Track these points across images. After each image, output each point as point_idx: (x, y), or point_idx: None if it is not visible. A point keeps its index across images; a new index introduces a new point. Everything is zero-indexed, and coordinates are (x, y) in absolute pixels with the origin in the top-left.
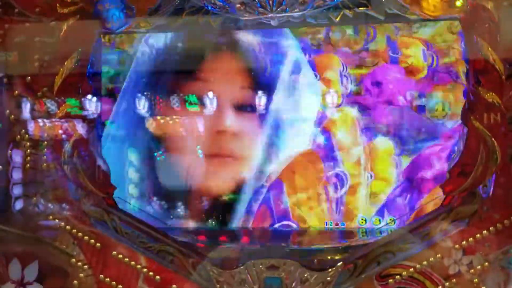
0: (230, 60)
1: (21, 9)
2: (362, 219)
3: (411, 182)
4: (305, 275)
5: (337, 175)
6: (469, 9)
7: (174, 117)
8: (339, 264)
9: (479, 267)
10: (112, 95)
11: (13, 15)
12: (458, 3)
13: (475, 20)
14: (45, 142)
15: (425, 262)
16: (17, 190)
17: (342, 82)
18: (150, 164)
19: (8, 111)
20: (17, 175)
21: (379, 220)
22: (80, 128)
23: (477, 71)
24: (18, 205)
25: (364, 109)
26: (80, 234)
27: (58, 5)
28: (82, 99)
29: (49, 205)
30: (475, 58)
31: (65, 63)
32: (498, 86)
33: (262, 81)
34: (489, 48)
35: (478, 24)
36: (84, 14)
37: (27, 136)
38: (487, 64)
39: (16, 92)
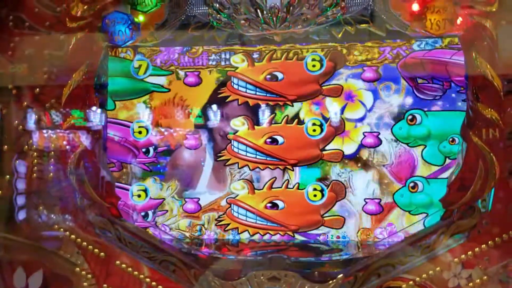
0: None
1: (31, 22)
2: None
3: None
4: (306, 287)
5: None
6: (468, 27)
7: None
8: (340, 276)
9: (478, 280)
10: None
11: (24, 29)
12: (458, 21)
13: (474, 38)
14: (52, 152)
15: (424, 275)
16: (20, 200)
17: None
18: None
19: (16, 121)
20: (21, 185)
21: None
22: (85, 140)
23: (476, 88)
24: (21, 215)
25: None
26: (84, 243)
27: (67, 19)
28: (87, 111)
29: (52, 215)
30: (474, 75)
31: (73, 75)
32: (496, 102)
33: None
34: (488, 65)
35: (477, 41)
36: (92, 28)
37: (34, 146)
38: (486, 81)
39: (25, 103)
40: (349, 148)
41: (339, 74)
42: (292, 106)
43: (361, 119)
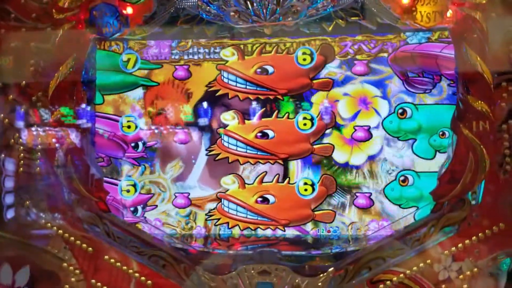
0: None
1: (17, 14)
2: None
3: None
4: (297, 281)
5: None
6: (458, 20)
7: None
8: (330, 270)
9: (468, 273)
10: None
11: (9, 21)
12: (448, 14)
13: (465, 31)
14: (39, 147)
15: (415, 268)
16: (8, 199)
17: None
18: None
19: (2, 115)
20: (9, 183)
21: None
22: (74, 137)
23: (466, 80)
24: (10, 214)
25: None
26: (72, 238)
27: (54, 11)
28: (76, 108)
29: (40, 211)
30: (464, 67)
31: (60, 68)
32: (487, 94)
33: None
34: (478, 58)
35: (467, 34)
36: (80, 20)
37: (21, 140)
38: (476, 74)
39: (11, 96)
40: (357, 159)
41: (353, 79)
42: (283, 100)
43: (373, 128)
